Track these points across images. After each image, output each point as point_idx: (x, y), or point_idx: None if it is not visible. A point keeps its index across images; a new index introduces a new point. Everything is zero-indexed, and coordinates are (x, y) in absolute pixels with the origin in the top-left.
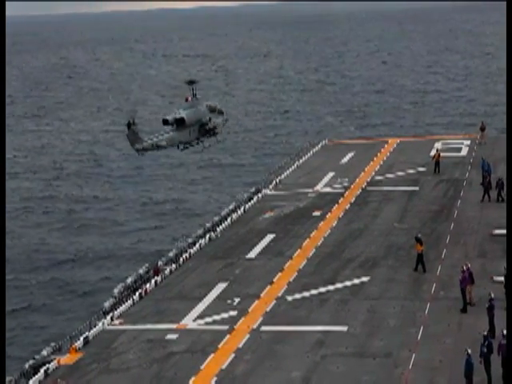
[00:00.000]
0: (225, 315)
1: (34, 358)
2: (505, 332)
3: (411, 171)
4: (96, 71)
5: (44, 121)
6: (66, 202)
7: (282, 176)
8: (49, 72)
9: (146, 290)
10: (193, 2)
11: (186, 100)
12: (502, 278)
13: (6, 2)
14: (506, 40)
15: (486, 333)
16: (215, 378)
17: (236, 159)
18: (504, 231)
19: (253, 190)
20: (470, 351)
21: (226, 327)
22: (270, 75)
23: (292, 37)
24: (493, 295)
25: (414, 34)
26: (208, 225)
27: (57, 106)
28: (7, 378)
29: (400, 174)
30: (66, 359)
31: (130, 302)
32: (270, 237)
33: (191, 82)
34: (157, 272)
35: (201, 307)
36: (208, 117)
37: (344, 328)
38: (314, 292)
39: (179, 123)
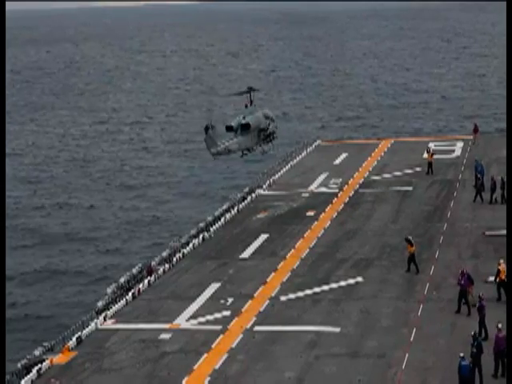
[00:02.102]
0: (218, 315)
1: (26, 358)
2: (500, 326)
3: (405, 172)
4: (84, 68)
5: (24, 120)
6: (47, 204)
7: (276, 176)
8: (35, 68)
9: (139, 290)
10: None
11: (246, 106)
12: (492, 278)
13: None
14: (506, 40)
15: (473, 333)
16: (208, 378)
17: (227, 160)
18: (497, 232)
19: (246, 190)
20: (462, 354)
21: (219, 327)
22: (260, 74)
23: (284, 35)
24: (481, 295)
25: (407, 33)
26: (201, 225)
27: (41, 105)
28: None
29: (393, 174)
30: (59, 359)
31: (123, 301)
32: (263, 237)
33: (251, 90)
34: (150, 271)
35: (194, 307)
36: (268, 122)
37: (337, 328)
38: (307, 292)
39: (244, 129)
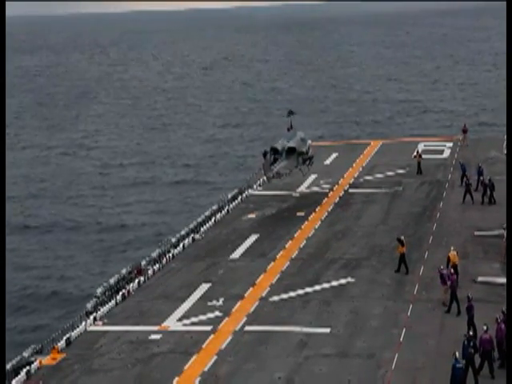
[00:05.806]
0: (208, 316)
1: (15, 360)
2: (484, 328)
3: (394, 173)
4: (62, 78)
5: None
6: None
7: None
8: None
9: (128, 291)
10: (180, 3)
11: (288, 130)
12: (484, 279)
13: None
14: (506, 40)
15: (470, 333)
16: (198, 379)
17: (216, 165)
18: (485, 233)
19: (236, 190)
20: (457, 356)
21: (209, 328)
22: (251, 82)
23: (271, 41)
24: (471, 296)
25: (389, 39)
26: (191, 225)
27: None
28: None
29: (383, 175)
30: (48, 360)
31: (112, 302)
32: (253, 238)
33: (291, 113)
34: (140, 272)
35: (184, 308)
36: (308, 146)
37: (327, 329)
38: (297, 293)
39: (289, 152)
